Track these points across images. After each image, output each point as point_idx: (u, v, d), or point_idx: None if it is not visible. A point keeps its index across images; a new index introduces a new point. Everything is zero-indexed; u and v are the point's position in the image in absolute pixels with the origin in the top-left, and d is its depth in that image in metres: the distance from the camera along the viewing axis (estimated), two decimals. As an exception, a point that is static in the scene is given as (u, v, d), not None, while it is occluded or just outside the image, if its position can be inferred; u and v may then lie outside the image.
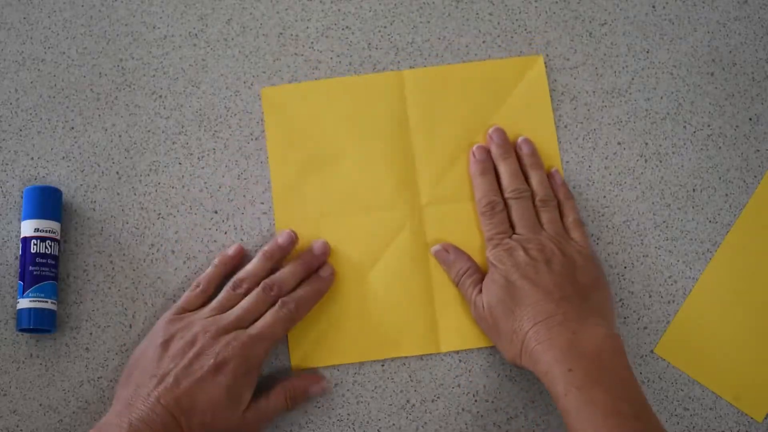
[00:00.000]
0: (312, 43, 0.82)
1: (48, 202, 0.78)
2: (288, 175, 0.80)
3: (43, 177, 0.80)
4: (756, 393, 0.77)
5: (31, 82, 0.81)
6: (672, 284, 0.79)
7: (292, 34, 0.83)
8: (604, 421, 0.65)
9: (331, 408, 0.76)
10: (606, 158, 0.81)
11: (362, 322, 0.78)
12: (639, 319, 0.78)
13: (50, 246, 0.77)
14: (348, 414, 0.77)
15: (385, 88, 0.81)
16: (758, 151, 0.81)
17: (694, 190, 0.81)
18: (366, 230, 0.79)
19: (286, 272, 0.76)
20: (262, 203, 0.80)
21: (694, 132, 0.81)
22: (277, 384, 0.74)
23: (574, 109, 0.82)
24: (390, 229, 0.79)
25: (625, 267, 0.79)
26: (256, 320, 0.73)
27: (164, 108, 0.81)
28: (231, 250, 0.78)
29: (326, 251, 0.78)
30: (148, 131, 0.81)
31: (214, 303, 0.74)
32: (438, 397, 0.77)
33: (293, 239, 0.78)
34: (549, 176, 0.79)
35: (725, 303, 0.78)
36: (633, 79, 0.82)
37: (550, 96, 0.81)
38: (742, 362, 0.77)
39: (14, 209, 0.79)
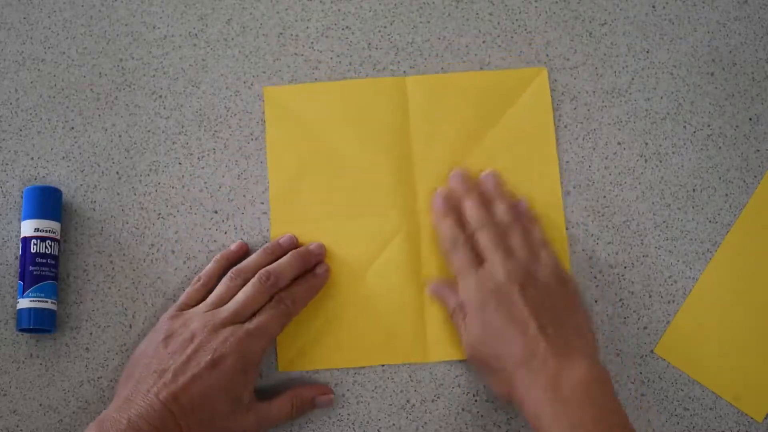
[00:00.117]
0: (312, 43, 0.82)
1: (48, 202, 0.78)
2: (286, 174, 0.80)
3: (43, 177, 0.80)
4: (756, 393, 0.77)
5: (31, 82, 0.81)
6: (672, 284, 0.79)
7: (292, 34, 0.83)
8: None
9: (331, 408, 0.76)
10: (606, 158, 0.81)
11: (352, 327, 0.77)
12: (639, 319, 0.78)
13: (50, 246, 0.77)
14: (348, 414, 0.77)
15: (387, 93, 0.81)
16: (758, 151, 0.81)
17: (694, 190, 0.81)
18: (361, 234, 0.79)
19: (283, 263, 0.76)
20: (262, 203, 0.80)
21: (694, 132, 0.81)
22: (286, 391, 0.75)
23: (574, 109, 0.81)
24: (386, 234, 0.79)
25: (625, 267, 0.79)
26: (253, 314, 0.74)
27: (164, 108, 0.81)
28: (233, 246, 0.78)
29: (323, 251, 0.78)
30: (148, 131, 0.81)
31: (212, 296, 0.75)
32: (438, 397, 0.77)
33: (294, 242, 0.78)
34: (514, 206, 0.78)
35: (725, 303, 0.78)
36: (633, 79, 0.82)
37: (551, 96, 0.81)
38: (742, 362, 0.77)
39: (14, 209, 0.79)
